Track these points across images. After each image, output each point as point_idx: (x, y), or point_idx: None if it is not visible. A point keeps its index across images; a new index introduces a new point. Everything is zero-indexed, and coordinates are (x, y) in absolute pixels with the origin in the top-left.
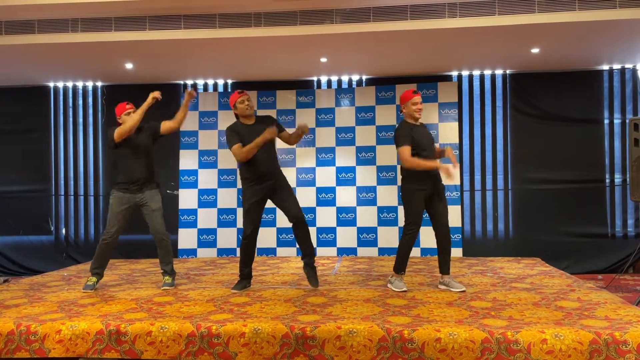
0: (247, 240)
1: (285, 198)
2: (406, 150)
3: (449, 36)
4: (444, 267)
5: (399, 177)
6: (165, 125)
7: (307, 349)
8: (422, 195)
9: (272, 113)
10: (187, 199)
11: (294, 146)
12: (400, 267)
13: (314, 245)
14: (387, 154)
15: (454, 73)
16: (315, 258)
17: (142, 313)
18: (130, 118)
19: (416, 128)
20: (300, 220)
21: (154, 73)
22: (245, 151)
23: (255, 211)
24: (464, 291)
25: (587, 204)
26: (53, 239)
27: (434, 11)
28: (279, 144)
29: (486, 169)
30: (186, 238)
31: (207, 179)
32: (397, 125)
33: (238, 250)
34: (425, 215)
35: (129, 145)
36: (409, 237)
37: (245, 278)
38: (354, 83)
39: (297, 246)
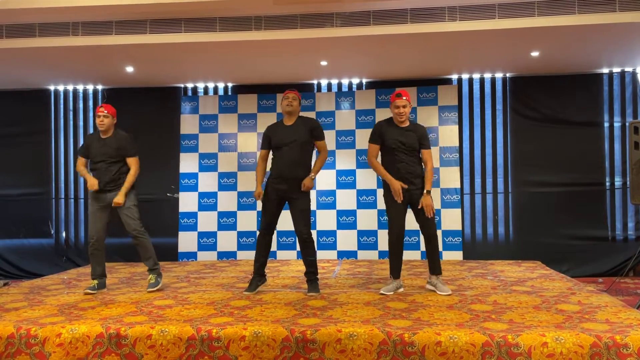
0: (259, 233)
1: (295, 215)
2: (369, 148)
3: (449, 39)
4: (431, 267)
5: None
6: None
7: (308, 353)
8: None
9: (272, 116)
10: (187, 202)
11: None
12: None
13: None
14: None
15: (454, 76)
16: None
17: (142, 316)
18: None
19: (392, 129)
20: (303, 240)
21: (154, 76)
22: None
23: (269, 208)
24: (450, 294)
25: (587, 207)
26: (53, 242)
27: (434, 14)
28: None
29: (486, 171)
30: (186, 241)
31: (208, 182)
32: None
33: (238, 253)
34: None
35: (92, 153)
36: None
37: (255, 274)
38: (354, 86)
39: (298, 250)
